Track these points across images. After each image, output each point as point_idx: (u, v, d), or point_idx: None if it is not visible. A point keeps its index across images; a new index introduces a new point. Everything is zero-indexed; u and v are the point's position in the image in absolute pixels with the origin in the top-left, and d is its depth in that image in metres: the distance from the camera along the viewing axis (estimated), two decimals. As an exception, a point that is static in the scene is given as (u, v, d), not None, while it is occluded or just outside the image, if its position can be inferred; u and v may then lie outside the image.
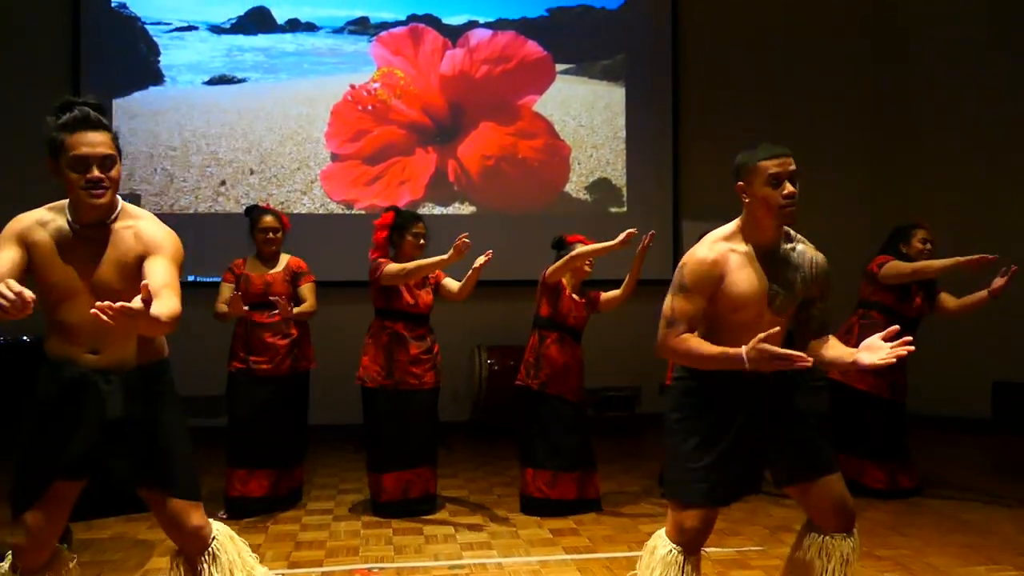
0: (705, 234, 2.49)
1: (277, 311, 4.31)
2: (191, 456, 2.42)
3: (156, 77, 6.62)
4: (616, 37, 7.14)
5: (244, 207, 6.45)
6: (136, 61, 6.60)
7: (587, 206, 7.06)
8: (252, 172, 6.65)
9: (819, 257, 2.46)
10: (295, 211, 6.55)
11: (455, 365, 6.25)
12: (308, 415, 4.70)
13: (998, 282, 4.28)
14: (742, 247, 2.38)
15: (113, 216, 2.31)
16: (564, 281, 4.46)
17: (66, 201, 2.31)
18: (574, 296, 4.48)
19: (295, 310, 4.36)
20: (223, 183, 6.61)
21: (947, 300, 4.65)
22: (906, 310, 4.55)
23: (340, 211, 6.74)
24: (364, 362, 4.41)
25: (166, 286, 2.15)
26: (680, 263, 2.42)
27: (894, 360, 2.22)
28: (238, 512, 4.28)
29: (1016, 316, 6.59)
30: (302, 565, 3.63)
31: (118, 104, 6.53)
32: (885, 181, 7.27)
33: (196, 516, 2.35)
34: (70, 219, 2.28)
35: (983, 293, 4.41)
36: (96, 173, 2.20)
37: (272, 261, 4.52)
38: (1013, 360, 6.61)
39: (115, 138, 2.27)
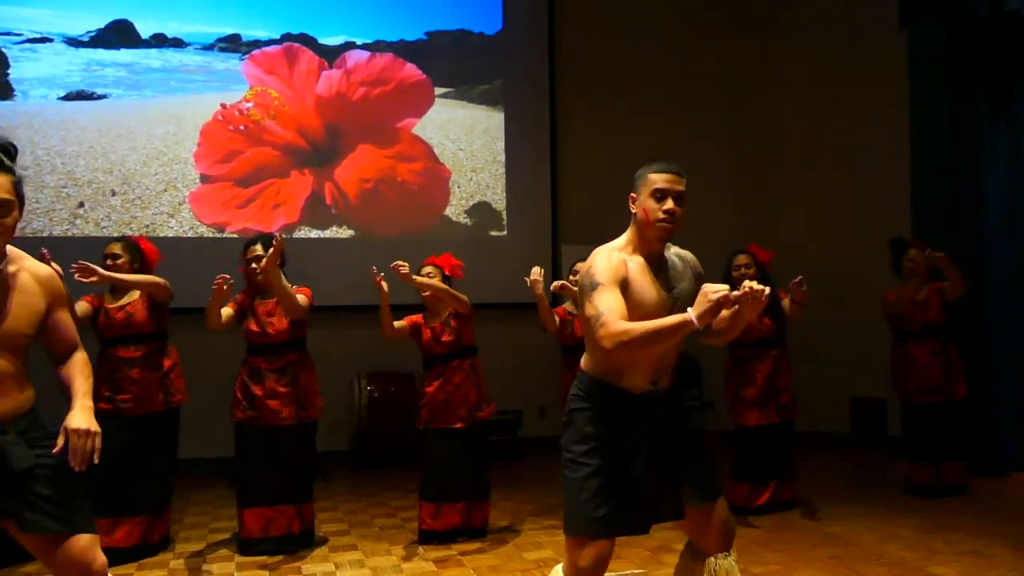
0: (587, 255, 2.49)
1: (139, 346, 4.10)
2: (85, 495, 2.35)
3: (5, 91, 6.18)
4: (494, 62, 7.20)
5: (104, 230, 6.18)
6: (-18, 73, 6.14)
7: (467, 230, 7.06)
8: (114, 193, 6.29)
9: (690, 255, 2.54)
10: (162, 234, 6.24)
11: (334, 393, 6.08)
12: (176, 451, 4.45)
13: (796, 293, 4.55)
14: (636, 257, 2.40)
15: (4, 262, 2.24)
16: (419, 318, 4.45)
17: None
18: (431, 324, 4.45)
19: (126, 276, 4.05)
20: (81, 205, 6.22)
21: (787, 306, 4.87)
22: (754, 334, 4.77)
23: (211, 235, 6.46)
24: (234, 392, 4.25)
25: (73, 338, 2.42)
26: (583, 271, 2.37)
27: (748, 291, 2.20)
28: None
29: (871, 335, 7.02)
30: (171, 615, 3.42)
31: (-39, 118, 6.05)
32: (750, 205, 7.60)
33: (100, 553, 2.30)
34: None
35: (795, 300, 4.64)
36: None
37: (123, 291, 4.25)
38: (869, 376, 7.03)
39: (18, 183, 2.19)
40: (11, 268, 2.25)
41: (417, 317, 4.50)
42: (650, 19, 7.61)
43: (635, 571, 3.86)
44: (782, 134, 7.56)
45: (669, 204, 2.37)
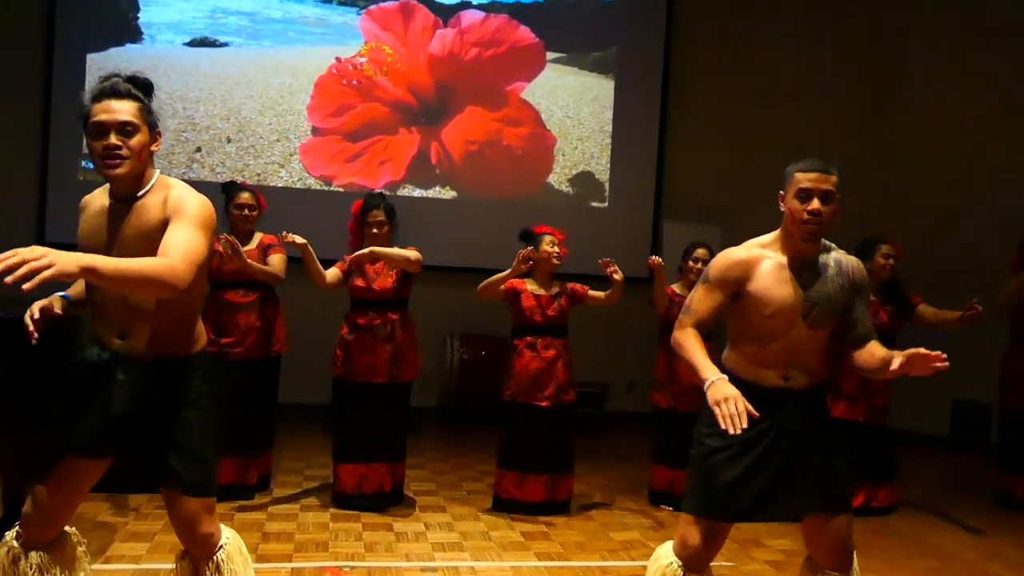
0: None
1: (249, 291, 4.21)
2: (214, 456, 2.34)
3: (134, 34, 6.38)
4: (610, 29, 7.06)
5: (219, 175, 6.36)
6: (114, 16, 6.35)
7: (568, 198, 7.00)
8: (229, 140, 6.46)
9: (854, 263, 2.44)
10: (272, 184, 6.39)
11: (426, 352, 6.16)
12: (277, 396, 4.60)
13: (970, 313, 4.43)
14: (778, 256, 2.38)
15: (145, 189, 2.20)
16: (522, 283, 4.39)
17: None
18: (534, 290, 4.40)
19: (259, 266, 4.14)
20: (199, 150, 6.41)
21: (925, 312, 4.70)
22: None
23: (318, 187, 6.59)
24: (334, 348, 4.34)
25: (174, 246, 2.04)
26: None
27: (932, 371, 2.27)
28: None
29: (975, 337, 6.70)
30: (271, 559, 3.55)
31: (92, 59, 6.29)
32: (872, 189, 7.30)
33: (208, 522, 2.27)
34: (109, 195, 2.23)
35: (956, 317, 4.52)
36: (112, 140, 2.12)
37: (246, 239, 4.38)
38: (972, 379, 6.74)
39: (145, 109, 2.18)
40: (150, 197, 2.18)
41: (519, 282, 4.45)
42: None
43: (723, 563, 3.82)
44: (909, 123, 7.21)
45: (815, 204, 2.31)
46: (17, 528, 2.27)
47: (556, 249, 4.36)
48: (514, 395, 4.36)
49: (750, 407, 2.14)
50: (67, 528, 2.34)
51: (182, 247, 2.06)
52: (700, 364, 2.29)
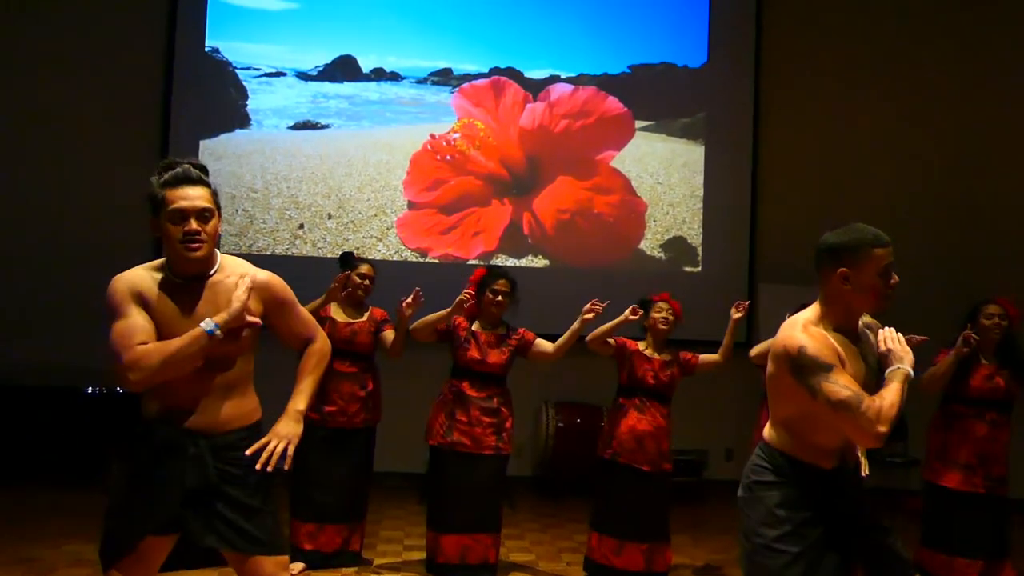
0: (789, 312, 2.45)
1: (354, 362, 4.34)
2: (276, 512, 2.41)
3: (243, 121, 6.78)
4: (697, 95, 7.11)
5: (320, 250, 6.62)
6: (225, 104, 6.77)
7: (661, 264, 6.98)
8: (330, 217, 6.73)
9: (867, 319, 2.40)
10: (370, 256, 6.57)
11: (520, 420, 6.16)
12: (373, 465, 4.67)
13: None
14: (831, 332, 2.25)
15: (213, 270, 2.34)
16: (634, 344, 4.38)
17: (163, 260, 2.36)
18: (649, 354, 4.38)
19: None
20: (301, 226, 6.70)
21: None
22: (970, 392, 4.38)
23: (414, 259, 6.77)
24: (429, 418, 4.39)
25: (310, 325, 2.56)
26: (793, 355, 2.19)
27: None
28: (308, 566, 4.23)
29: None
30: (373, 630, 3.57)
31: (204, 145, 6.69)
32: (957, 269, 7.03)
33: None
34: (170, 273, 2.32)
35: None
36: (193, 225, 2.25)
37: (359, 310, 4.53)
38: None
39: (214, 194, 2.34)
40: (219, 276, 2.33)
41: (631, 342, 4.42)
42: (864, 59, 7.24)
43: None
44: (997, 184, 6.96)
45: (895, 279, 2.27)
46: None
47: (665, 315, 4.36)
48: (615, 455, 4.30)
49: None
50: None
51: (313, 322, 2.57)
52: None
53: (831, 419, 2.15)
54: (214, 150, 6.70)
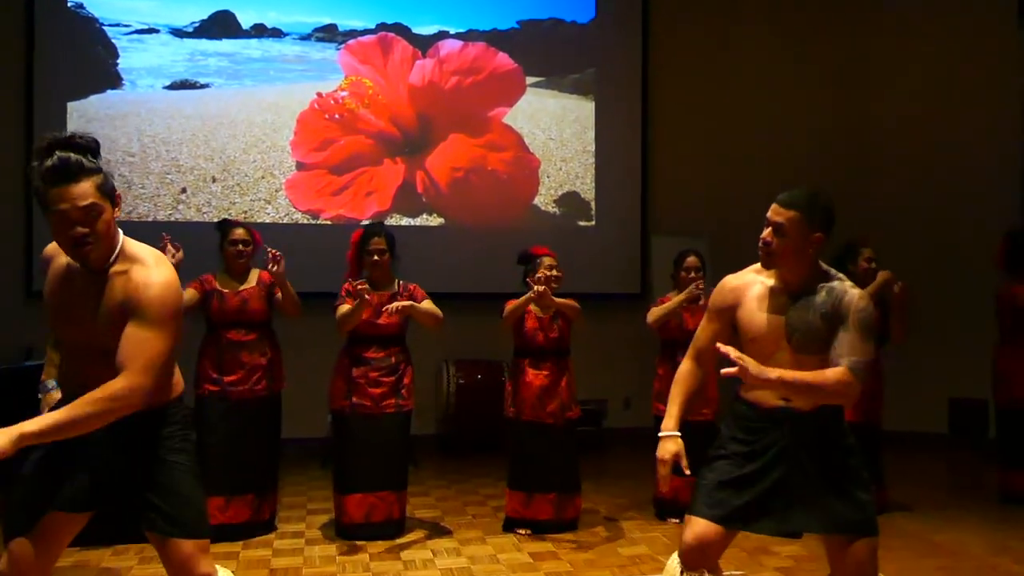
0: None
1: (249, 330, 4.22)
2: (201, 497, 2.31)
3: (114, 80, 6.40)
4: (586, 51, 7.14)
5: (205, 215, 6.37)
6: (93, 63, 6.37)
7: (556, 219, 7.04)
8: (214, 180, 6.47)
9: (849, 294, 2.39)
10: (259, 220, 6.39)
11: (422, 380, 6.16)
12: (280, 434, 4.57)
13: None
14: (769, 280, 2.48)
15: (113, 258, 2.16)
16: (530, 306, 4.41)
17: None
18: (538, 315, 4.43)
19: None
20: (184, 191, 6.42)
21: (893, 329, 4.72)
22: None
23: (305, 221, 6.60)
24: (330, 384, 4.33)
25: (131, 356, 2.03)
26: None
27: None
28: (218, 539, 4.12)
29: (970, 333, 6.77)
30: (278, 595, 3.52)
31: (73, 107, 6.30)
32: (846, 205, 7.37)
33: (204, 563, 2.23)
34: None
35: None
36: (79, 230, 2.05)
37: (243, 276, 4.39)
38: (968, 376, 6.79)
39: (103, 181, 2.09)
40: (116, 269, 2.15)
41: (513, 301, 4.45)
42: (748, 5, 7.43)
43: (734, 572, 3.81)
44: (884, 131, 7.30)
45: (765, 233, 2.42)
46: None
47: (554, 272, 4.38)
48: (518, 413, 4.37)
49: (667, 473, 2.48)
50: None
51: (141, 356, 2.04)
52: (668, 411, 2.56)
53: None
54: (84, 111, 6.31)
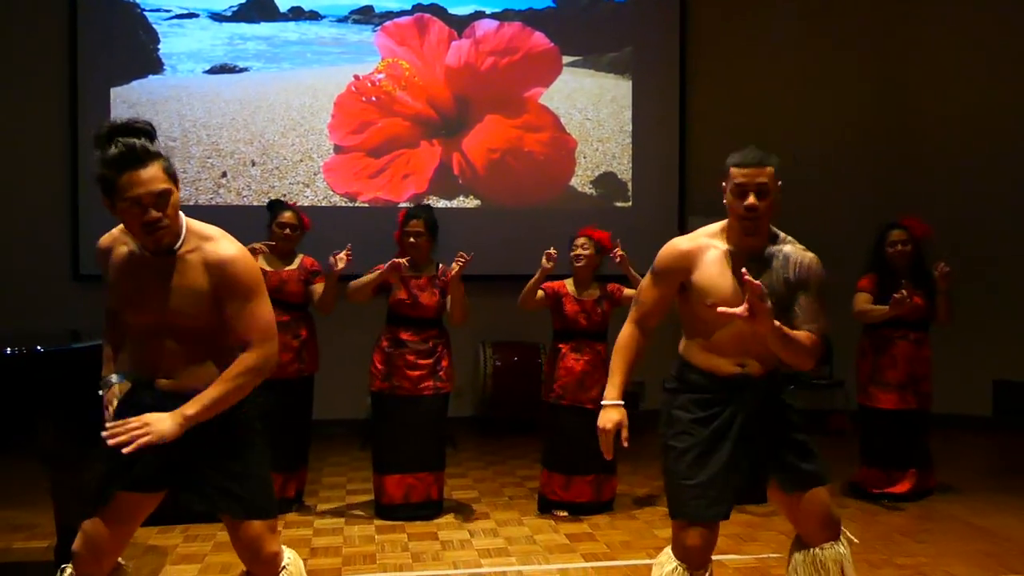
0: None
1: (283, 312, 4.26)
2: (269, 478, 2.35)
3: (155, 66, 6.49)
4: (624, 30, 7.06)
5: (245, 199, 6.45)
6: (135, 49, 6.45)
7: (592, 200, 7.00)
8: (254, 164, 6.54)
9: (806, 258, 2.38)
10: (297, 203, 6.43)
11: (459, 362, 6.18)
12: (311, 415, 4.64)
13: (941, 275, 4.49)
14: (722, 245, 2.38)
15: (180, 241, 2.19)
16: (563, 287, 4.41)
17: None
18: (576, 295, 4.42)
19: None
20: (224, 175, 6.50)
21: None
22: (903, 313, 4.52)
23: (343, 204, 6.65)
24: (371, 365, 4.37)
25: (253, 328, 2.18)
26: None
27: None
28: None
29: (1015, 316, 6.63)
30: (320, 574, 3.58)
31: (116, 92, 6.39)
32: (890, 191, 7.23)
33: (273, 542, 2.28)
34: (138, 247, 2.21)
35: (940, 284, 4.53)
36: (153, 214, 2.08)
37: (287, 258, 4.46)
38: (1013, 359, 6.66)
39: (168, 165, 2.13)
40: (185, 249, 2.18)
41: (559, 285, 4.46)
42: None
43: (772, 555, 3.80)
44: (923, 104, 7.13)
45: (750, 200, 2.31)
46: (71, 566, 2.25)
47: (579, 252, 4.38)
48: (559, 397, 4.38)
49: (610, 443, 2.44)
50: (120, 560, 2.34)
51: (258, 326, 2.19)
52: (610, 380, 2.49)
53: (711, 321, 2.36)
54: (127, 97, 6.41)
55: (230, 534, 2.29)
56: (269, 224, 4.44)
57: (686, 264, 2.38)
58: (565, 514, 4.38)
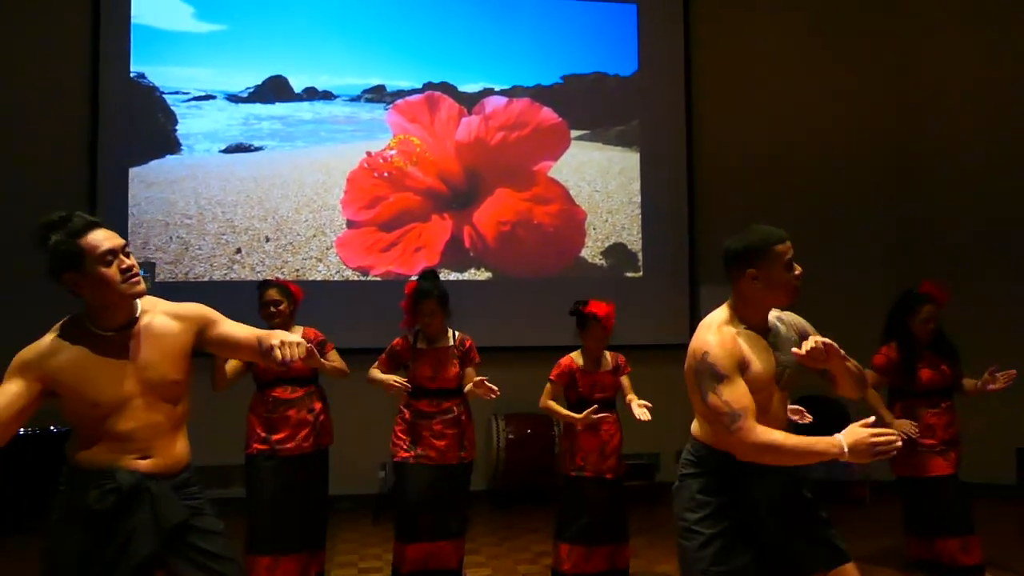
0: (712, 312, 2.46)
1: (297, 387, 4.27)
2: (236, 555, 2.36)
3: (173, 146, 6.65)
4: (630, 103, 7.21)
5: (259, 274, 6.52)
6: (153, 130, 6.63)
7: (603, 271, 7.04)
8: (267, 240, 6.64)
9: (788, 315, 2.52)
10: (311, 278, 6.52)
11: (473, 434, 6.18)
12: (328, 490, 4.60)
13: (992, 385, 4.37)
14: (743, 329, 2.38)
15: (138, 311, 2.28)
16: (572, 363, 4.42)
17: (70, 319, 2.25)
18: (590, 368, 4.44)
19: (331, 365, 4.25)
20: (238, 251, 6.59)
21: (966, 382, 4.64)
22: (924, 385, 4.50)
23: (356, 278, 6.71)
24: (392, 435, 4.36)
25: (248, 329, 2.39)
26: (698, 358, 2.32)
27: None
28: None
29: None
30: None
31: (134, 173, 6.54)
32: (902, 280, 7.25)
33: None
34: (95, 330, 2.22)
35: (981, 387, 4.45)
36: (129, 261, 2.21)
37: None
38: (1035, 425, 6.56)
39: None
40: (145, 318, 2.27)
41: (571, 363, 4.45)
42: (783, 55, 7.44)
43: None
44: (937, 149, 7.19)
45: (799, 269, 2.41)
46: None
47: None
48: (581, 469, 4.34)
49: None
50: None
51: (246, 327, 2.43)
52: (812, 443, 2.18)
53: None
54: (144, 177, 6.55)
55: None
56: (259, 307, 4.43)
57: (741, 353, 2.32)
58: None
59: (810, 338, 2.32)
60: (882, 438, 2.12)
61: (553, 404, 4.39)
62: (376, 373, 4.33)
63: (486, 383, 4.08)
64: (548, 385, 4.43)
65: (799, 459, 2.20)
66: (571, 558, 4.34)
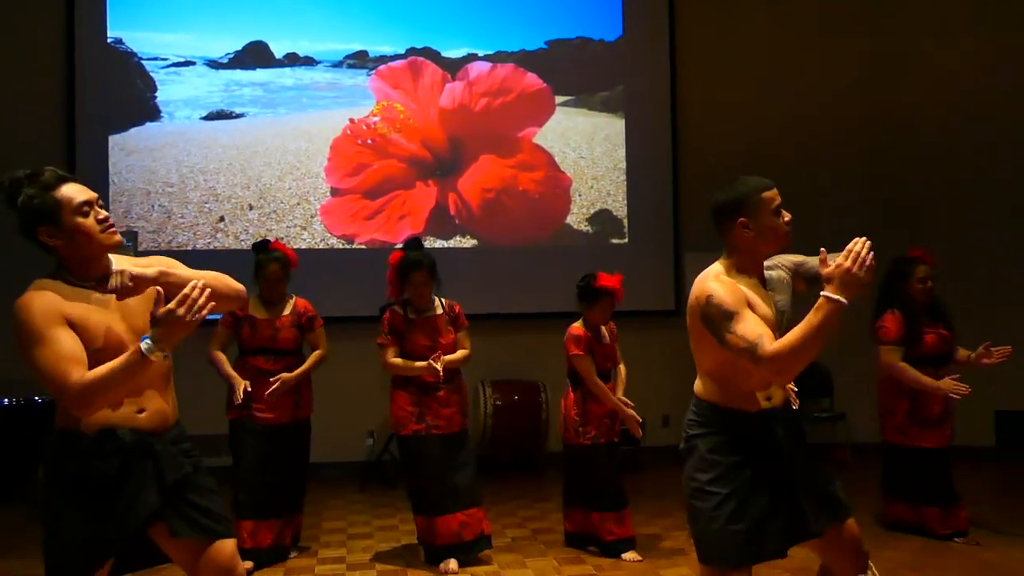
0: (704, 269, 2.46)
1: (278, 376, 4.26)
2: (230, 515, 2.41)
3: (153, 113, 6.55)
4: (615, 68, 7.16)
5: (243, 243, 6.46)
6: (132, 97, 6.53)
7: (589, 237, 7.04)
8: (251, 208, 6.58)
9: (778, 260, 2.63)
10: (295, 246, 6.43)
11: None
12: (308, 459, 4.61)
13: (986, 359, 4.43)
14: (743, 279, 2.38)
15: (113, 265, 2.25)
16: (589, 335, 4.42)
17: (49, 276, 2.21)
18: (604, 344, 4.48)
19: (303, 368, 4.36)
20: (222, 219, 6.53)
21: (959, 352, 4.65)
22: (927, 351, 4.50)
23: (340, 246, 6.68)
24: (394, 409, 4.30)
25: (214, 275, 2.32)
26: (703, 303, 2.30)
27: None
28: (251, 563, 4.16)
29: (1018, 345, 6.61)
30: (321, 621, 3.54)
31: (114, 140, 6.45)
32: (886, 219, 7.28)
33: (240, 560, 2.32)
34: (79, 283, 2.20)
35: (975, 360, 4.50)
36: (104, 212, 2.21)
37: (278, 304, 4.43)
38: (1015, 389, 6.63)
39: None
40: (120, 268, 2.21)
41: (583, 333, 4.43)
42: (767, 22, 7.40)
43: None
44: (921, 130, 7.21)
45: (788, 216, 2.43)
46: None
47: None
48: (596, 438, 4.37)
49: None
50: None
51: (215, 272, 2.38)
52: (818, 316, 2.11)
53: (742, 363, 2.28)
54: (124, 145, 6.46)
55: (192, 565, 2.24)
56: (255, 271, 4.36)
57: (745, 295, 2.31)
58: (596, 550, 4.40)
59: (849, 250, 2.14)
60: (850, 256, 2.10)
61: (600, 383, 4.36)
62: (399, 361, 4.22)
63: (432, 363, 4.10)
64: (583, 364, 4.33)
65: (820, 337, 2.12)
66: (607, 524, 4.36)
